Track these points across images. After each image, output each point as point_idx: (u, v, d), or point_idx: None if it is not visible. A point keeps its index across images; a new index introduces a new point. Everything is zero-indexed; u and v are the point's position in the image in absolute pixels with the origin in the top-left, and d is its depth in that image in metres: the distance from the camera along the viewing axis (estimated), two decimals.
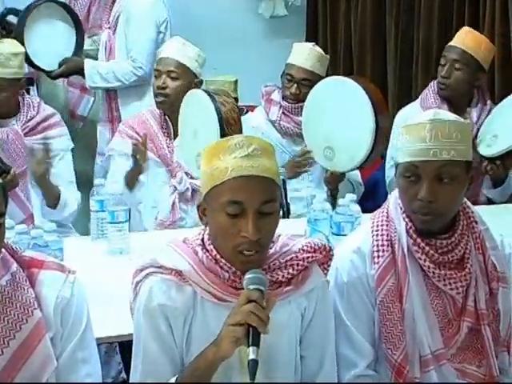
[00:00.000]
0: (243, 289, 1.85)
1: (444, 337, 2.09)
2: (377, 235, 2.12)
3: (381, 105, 3.21)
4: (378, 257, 2.10)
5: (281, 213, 3.23)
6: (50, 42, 4.12)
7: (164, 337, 1.92)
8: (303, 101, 3.49)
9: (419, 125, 2.02)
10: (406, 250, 2.08)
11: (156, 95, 3.43)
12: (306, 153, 3.44)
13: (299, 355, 2.02)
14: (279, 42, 5.46)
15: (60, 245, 2.63)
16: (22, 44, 3.79)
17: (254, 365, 1.75)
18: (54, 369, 1.84)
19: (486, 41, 3.65)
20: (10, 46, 3.38)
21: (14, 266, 1.85)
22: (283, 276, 1.95)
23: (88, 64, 4.15)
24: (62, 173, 3.44)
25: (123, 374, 3.19)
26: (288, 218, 3.24)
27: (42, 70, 4.16)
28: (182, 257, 1.94)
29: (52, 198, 3.32)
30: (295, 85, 3.61)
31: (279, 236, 2.02)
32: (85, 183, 3.67)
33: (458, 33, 3.65)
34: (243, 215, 1.86)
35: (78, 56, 4.22)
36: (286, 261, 1.97)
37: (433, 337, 2.08)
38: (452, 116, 2.08)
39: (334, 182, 3.36)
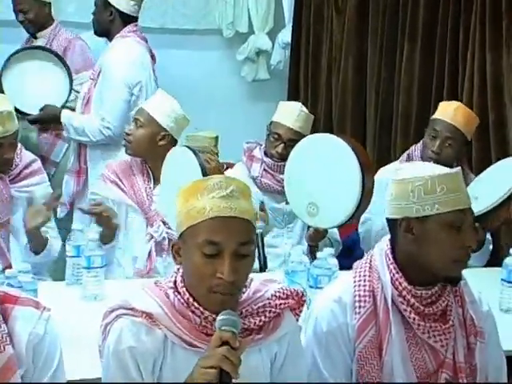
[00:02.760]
0: (213, 335, 1.82)
1: None
2: (359, 285, 2.11)
3: (367, 163, 3.21)
4: (360, 307, 2.08)
5: (257, 265, 3.27)
6: (37, 84, 4.16)
7: (133, 379, 1.89)
8: (285, 160, 3.50)
9: (453, 175, 2.05)
10: (389, 301, 2.07)
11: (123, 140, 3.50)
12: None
13: None
14: (261, 104, 5.53)
15: (34, 286, 2.59)
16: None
17: None
18: None
19: (474, 116, 3.70)
20: (5, 103, 3.25)
21: None
22: (255, 323, 1.94)
23: (64, 115, 4.17)
24: None
25: None
26: (264, 271, 3.22)
27: (20, 112, 4.09)
28: (154, 300, 1.93)
29: (40, 246, 3.26)
30: (282, 145, 3.60)
31: (252, 280, 2.01)
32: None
33: (448, 106, 3.67)
34: (219, 256, 1.85)
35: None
36: (259, 307, 1.96)
37: None
38: None
39: (316, 239, 3.34)
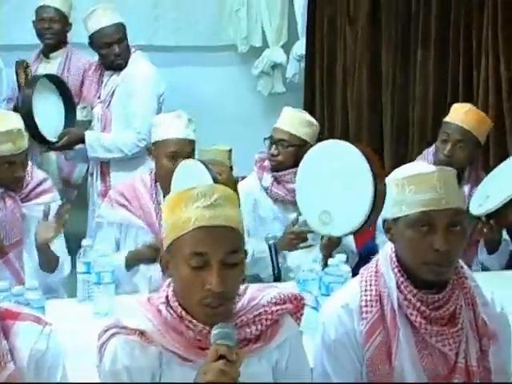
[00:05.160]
0: (208, 348, 1.78)
1: None
2: (365, 290, 2.07)
3: (379, 170, 3.18)
4: (367, 312, 2.05)
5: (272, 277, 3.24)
6: (46, 115, 4.17)
7: None
8: (284, 166, 3.49)
9: (427, 174, 2.01)
10: (395, 306, 2.03)
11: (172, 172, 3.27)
12: (295, 223, 3.39)
13: None
14: (277, 118, 5.50)
15: (42, 303, 2.57)
16: (32, 119, 3.95)
17: None
18: None
19: (486, 118, 3.67)
20: (16, 121, 3.28)
21: None
22: (251, 333, 1.90)
23: (90, 136, 4.23)
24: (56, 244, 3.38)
25: None
26: (279, 281, 3.19)
27: (47, 142, 4.20)
28: (146, 317, 1.89)
29: (51, 264, 3.26)
30: (273, 146, 3.59)
31: (247, 288, 1.97)
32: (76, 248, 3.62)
33: (459, 109, 3.63)
34: (207, 267, 1.81)
35: (70, 127, 4.28)
36: (255, 316, 1.91)
37: None
38: None
39: (330, 248, 3.28)
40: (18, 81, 4.38)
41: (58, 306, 2.83)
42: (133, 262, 3.29)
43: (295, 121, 3.64)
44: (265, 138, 3.67)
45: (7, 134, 3.16)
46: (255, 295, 1.96)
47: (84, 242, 3.07)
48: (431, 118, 4.60)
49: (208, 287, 1.80)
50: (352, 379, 2.04)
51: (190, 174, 3.16)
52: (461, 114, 3.57)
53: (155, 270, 3.29)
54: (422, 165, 2.12)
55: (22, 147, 3.21)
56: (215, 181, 2.99)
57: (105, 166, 4.28)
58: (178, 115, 3.47)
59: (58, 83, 4.27)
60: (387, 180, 2.11)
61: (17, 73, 4.38)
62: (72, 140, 4.26)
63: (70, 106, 4.29)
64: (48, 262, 3.25)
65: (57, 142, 4.24)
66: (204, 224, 1.81)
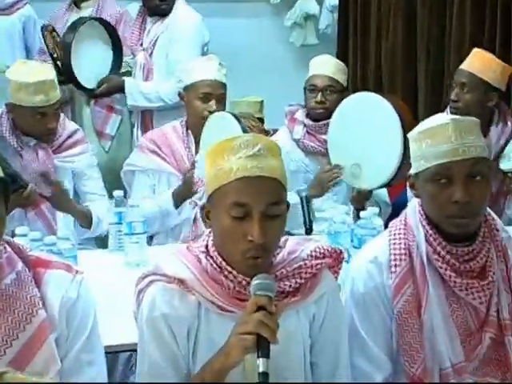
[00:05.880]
0: (248, 300, 1.79)
1: (465, 349, 2.01)
2: (394, 244, 2.06)
3: (409, 122, 3.13)
4: (396, 266, 2.03)
5: (303, 230, 3.23)
6: (88, 60, 4.15)
7: (168, 346, 1.86)
8: (329, 112, 3.45)
9: (441, 126, 1.97)
10: (425, 259, 2.01)
11: (204, 117, 3.31)
12: (335, 167, 3.37)
13: (309, 364, 1.94)
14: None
15: (74, 252, 2.59)
16: (70, 65, 3.92)
17: (264, 378, 1.69)
18: (58, 370, 1.78)
19: (497, 61, 3.60)
20: (48, 72, 3.29)
21: (20, 265, 1.80)
22: (290, 286, 1.88)
23: (130, 83, 4.17)
24: (93, 190, 3.42)
25: None
26: (310, 234, 3.18)
27: (85, 89, 4.17)
28: (185, 265, 1.88)
29: (82, 219, 3.30)
30: (320, 93, 3.58)
31: (286, 240, 1.95)
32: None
33: (471, 54, 3.62)
34: (248, 218, 1.79)
35: (116, 73, 4.24)
36: (294, 269, 1.90)
37: (453, 349, 2.00)
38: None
39: (360, 201, 3.28)
40: (45, 44, 4.35)
41: (89, 257, 2.86)
42: (178, 198, 3.30)
43: (337, 67, 3.67)
44: (305, 87, 3.64)
45: (39, 84, 3.16)
46: (295, 248, 1.94)
47: (115, 193, 3.08)
48: None
49: (249, 238, 1.79)
50: (381, 333, 2.03)
51: (220, 127, 3.15)
52: (468, 59, 3.56)
53: (185, 223, 3.33)
54: (438, 117, 2.08)
55: (54, 98, 3.21)
56: (245, 132, 2.97)
57: (147, 117, 4.22)
58: (209, 58, 3.48)
59: (107, 27, 4.23)
60: (409, 136, 2.07)
61: (44, 37, 4.36)
62: (111, 87, 4.20)
63: (118, 51, 4.26)
64: (77, 218, 3.29)
65: (95, 89, 4.21)
66: (246, 174, 1.79)
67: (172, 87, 4.02)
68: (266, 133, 3.86)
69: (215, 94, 3.37)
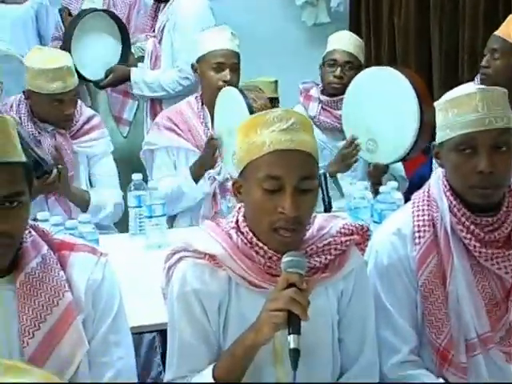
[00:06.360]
0: (279, 275, 1.79)
1: (491, 319, 2.00)
2: (418, 215, 2.05)
3: (425, 95, 3.13)
4: (420, 237, 2.02)
5: (322, 207, 3.23)
6: (94, 52, 4.13)
7: (199, 322, 1.87)
8: (344, 88, 3.44)
9: (468, 95, 1.96)
10: (449, 230, 2.01)
11: (219, 88, 3.31)
12: (352, 142, 3.36)
13: (337, 340, 1.94)
14: (322, 48, 5.40)
15: (95, 236, 2.60)
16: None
17: (295, 354, 1.70)
18: (86, 351, 1.79)
19: None
20: (65, 58, 3.30)
21: (45, 249, 1.82)
22: (320, 262, 1.88)
23: (135, 73, 4.15)
24: (102, 175, 3.42)
25: (163, 375, 3.14)
26: (330, 211, 3.17)
27: (89, 81, 4.17)
28: (216, 240, 1.88)
29: (78, 202, 3.28)
30: (339, 68, 3.59)
31: (315, 217, 1.95)
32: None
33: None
34: (281, 191, 1.79)
35: (127, 62, 4.22)
36: (324, 245, 1.90)
37: (479, 320, 2.00)
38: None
39: (377, 176, 3.28)
40: (64, 26, 4.35)
41: (110, 241, 2.86)
42: (198, 171, 3.31)
43: (356, 43, 3.68)
44: (322, 62, 3.63)
45: (56, 71, 3.17)
46: (324, 225, 1.94)
47: (134, 177, 3.08)
48: (481, 42, 4.47)
49: (281, 210, 1.79)
50: (406, 305, 2.03)
51: (227, 102, 3.14)
52: (502, 25, 3.48)
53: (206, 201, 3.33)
54: (466, 86, 2.06)
55: (71, 85, 3.22)
56: (250, 107, 2.96)
57: (156, 104, 4.20)
58: (221, 28, 3.47)
59: (114, 18, 4.21)
60: (435, 105, 2.06)
61: (62, 19, 4.36)
62: (117, 77, 4.19)
63: (126, 43, 4.23)
64: (73, 201, 3.27)
65: (101, 80, 4.20)
66: (279, 147, 1.79)
67: (173, 76, 4.01)
68: (271, 102, 3.81)
69: (228, 64, 3.36)
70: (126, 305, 1.91)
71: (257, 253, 1.85)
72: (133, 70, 4.17)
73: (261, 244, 1.85)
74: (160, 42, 4.12)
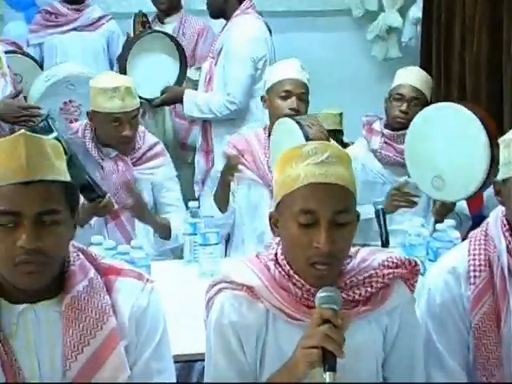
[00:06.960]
0: (315, 307, 1.76)
1: None
2: (474, 254, 1.99)
3: (493, 131, 3.04)
4: (475, 277, 1.97)
5: (379, 242, 3.17)
6: (151, 72, 4.20)
7: (235, 354, 1.86)
8: (408, 124, 3.38)
9: None
10: (506, 271, 1.95)
11: (285, 116, 3.29)
12: (404, 185, 3.30)
13: (381, 379, 1.89)
14: (391, 83, 5.37)
15: (147, 262, 2.60)
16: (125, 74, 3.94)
17: None
18: (127, 378, 1.78)
19: None
20: (125, 80, 3.36)
21: (92, 272, 1.82)
22: (360, 294, 1.85)
23: (187, 94, 4.19)
24: (171, 201, 3.44)
25: None
26: (387, 247, 3.11)
27: (144, 99, 4.19)
28: (254, 272, 1.87)
29: (160, 230, 3.32)
30: (405, 103, 3.54)
31: (358, 250, 1.92)
32: None
33: None
34: (316, 225, 1.78)
35: (181, 85, 4.28)
36: (365, 278, 1.86)
37: None
38: None
39: (443, 214, 3.19)
40: (134, 33, 4.44)
41: (164, 267, 2.87)
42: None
43: (424, 80, 3.64)
44: (389, 96, 3.60)
45: (115, 90, 3.21)
46: (366, 257, 1.91)
47: (191, 204, 3.08)
48: None
49: (316, 245, 1.77)
50: (457, 347, 1.97)
51: (284, 132, 3.13)
52: None
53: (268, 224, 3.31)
54: None
55: (130, 106, 3.25)
56: (306, 136, 2.93)
57: (207, 126, 4.22)
58: (291, 60, 3.47)
59: (174, 40, 4.30)
60: (500, 141, 2.00)
61: (134, 25, 4.44)
62: (169, 98, 4.25)
63: (183, 64, 4.31)
64: (156, 228, 3.31)
65: (154, 100, 4.25)
66: (314, 181, 1.78)
67: (220, 100, 4.04)
68: (345, 146, 3.80)
69: (295, 92, 3.35)
70: (176, 332, 1.92)
71: (294, 284, 1.84)
72: (186, 91, 4.22)
73: (297, 277, 1.83)
74: (216, 63, 4.16)
